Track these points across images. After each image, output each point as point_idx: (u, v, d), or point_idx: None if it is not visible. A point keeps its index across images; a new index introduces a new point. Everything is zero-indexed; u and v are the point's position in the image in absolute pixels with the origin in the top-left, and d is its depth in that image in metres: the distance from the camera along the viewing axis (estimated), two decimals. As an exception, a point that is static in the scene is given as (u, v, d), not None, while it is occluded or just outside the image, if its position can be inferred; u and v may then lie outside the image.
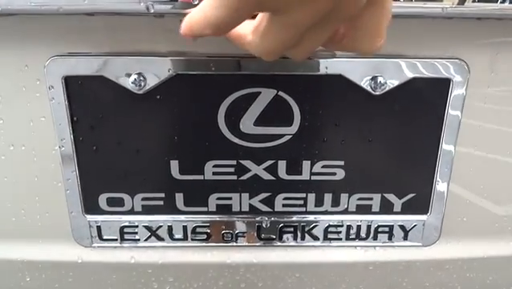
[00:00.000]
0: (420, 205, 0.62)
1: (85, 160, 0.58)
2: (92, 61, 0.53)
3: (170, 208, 0.61)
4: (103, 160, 0.58)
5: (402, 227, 0.63)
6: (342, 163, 0.59)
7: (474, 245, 0.65)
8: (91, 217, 0.61)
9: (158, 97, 0.55)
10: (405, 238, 0.63)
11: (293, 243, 0.64)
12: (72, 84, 0.54)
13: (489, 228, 0.64)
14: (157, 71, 0.54)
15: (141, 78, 0.54)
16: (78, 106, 0.56)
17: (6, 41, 0.52)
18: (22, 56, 0.53)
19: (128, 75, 0.54)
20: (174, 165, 0.58)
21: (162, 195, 0.60)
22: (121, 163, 0.58)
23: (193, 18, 0.36)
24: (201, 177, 0.59)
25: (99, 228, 0.62)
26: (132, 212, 0.61)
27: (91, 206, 0.61)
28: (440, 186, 0.60)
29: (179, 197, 0.60)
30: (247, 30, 0.39)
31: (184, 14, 0.46)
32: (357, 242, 0.64)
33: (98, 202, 0.60)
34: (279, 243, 0.63)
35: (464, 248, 0.65)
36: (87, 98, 0.55)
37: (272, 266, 0.65)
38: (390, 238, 0.63)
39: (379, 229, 0.63)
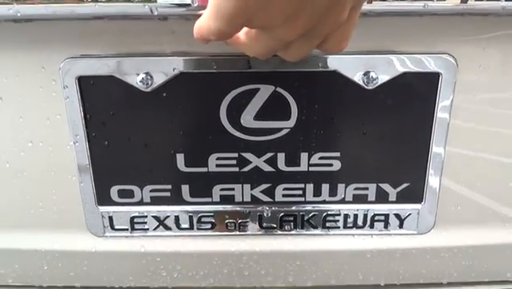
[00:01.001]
0: (414, 194, 0.64)
1: (97, 154, 0.62)
2: (103, 62, 0.57)
3: (177, 199, 0.64)
4: (115, 154, 0.62)
5: (397, 216, 0.65)
6: (338, 154, 0.62)
7: (469, 232, 0.67)
8: (103, 209, 0.65)
9: (164, 95, 0.59)
10: (401, 226, 0.66)
11: (293, 232, 0.66)
12: (85, 84, 0.58)
13: (483, 216, 0.66)
14: (163, 70, 0.57)
15: (149, 77, 0.58)
16: (90, 104, 0.59)
17: (24, 45, 0.57)
18: (39, 59, 0.58)
19: (137, 75, 0.58)
20: (180, 158, 0.62)
21: (169, 187, 0.64)
22: (131, 157, 0.62)
23: (200, 26, 0.41)
24: (205, 170, 0.63)
25: (110, 218, 0.66)
26: (141, 203, 0.65)
27: (103, 198, 0.65)
28: (433, 176, 0.63)
29: (185, 189, 0.64)
30: (241, 31, 0.43)
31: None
32: (354, 231, 0.66)
33: (110, 194, 0.64)
34: (280, 232, 0.66)
35: (459, 236, 0.67)
36: (98, 96, 0.59)
37: (274, 254, 0.68)
38: (386, 227, 0.66)
39: (376, 218, 0.65)
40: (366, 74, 0.58)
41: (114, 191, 0.64)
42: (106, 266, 0.69)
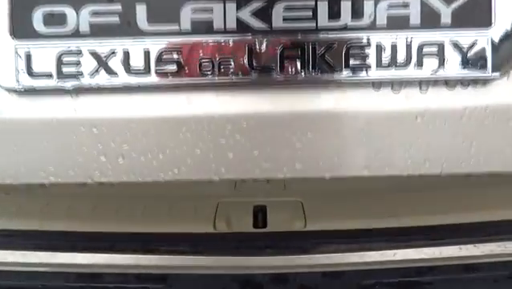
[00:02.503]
0: (477, 13, 0.45)
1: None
2: None
3: (128, 26, 0.47)
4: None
5: (456, 46, 0.46)
6: (361, -51, 0.44)
7: None
8: (20, 43, 0.47)
9: None
10: (464, 63, 0.45)
11: (300, 77, 0.46)
12: None
13: None
14: None
15: None
16: None
17: None
18: None
19: None
20: (135, -40, 0.45)
21: (118, 7, 0.46)
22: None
23: None
24: (170, -21, 0.45)
25: (29, 58, 0.47)
26: (76, 34, 0.48)
27: (21, 27, 0.48)
28: (503, -17, 0.44)
29: (141, 10, 0.47)
30: None
31: None
32: (393, 73, 0.46)
33: (31, 21, 0.47)
34: (280, 77, 0.46)
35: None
36: None
37: (272, 119, 0.47)
38: (441, 64, 0.45)
39: (424, 51, 0.45)
40: None
41: (38, 16, 0.47)
42: (16, 147, 0.46)
